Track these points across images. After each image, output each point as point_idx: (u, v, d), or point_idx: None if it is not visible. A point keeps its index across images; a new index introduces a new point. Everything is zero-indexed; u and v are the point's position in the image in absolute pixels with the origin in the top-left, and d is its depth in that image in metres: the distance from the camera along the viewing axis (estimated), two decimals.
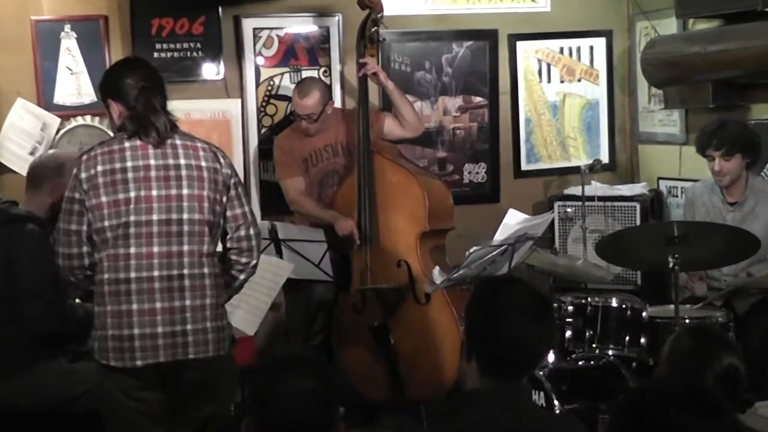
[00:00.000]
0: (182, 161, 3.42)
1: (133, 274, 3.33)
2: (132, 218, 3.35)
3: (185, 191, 3.38)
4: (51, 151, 5.21)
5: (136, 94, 3.46)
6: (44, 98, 5.48)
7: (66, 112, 5.52)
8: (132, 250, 3.34)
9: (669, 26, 5.91)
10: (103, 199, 3.36)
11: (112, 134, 5.43)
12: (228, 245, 3.50)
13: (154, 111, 3.44)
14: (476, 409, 2.55)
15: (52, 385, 3.98)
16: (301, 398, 2.48)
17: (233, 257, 3.50)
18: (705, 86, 5.42)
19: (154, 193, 3.37)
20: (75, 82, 5.53)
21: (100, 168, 3.38)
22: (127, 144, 3.42)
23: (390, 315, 5.10)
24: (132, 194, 3.36)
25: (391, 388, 5.12)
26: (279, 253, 4.86)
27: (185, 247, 3.36)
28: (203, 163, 3.44)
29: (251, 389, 2.57)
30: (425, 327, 5.04)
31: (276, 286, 4.35)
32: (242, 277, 3.55)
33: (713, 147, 4.92)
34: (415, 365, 5.07)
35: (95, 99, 5.52)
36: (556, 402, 4.28)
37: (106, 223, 3.36)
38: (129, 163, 3.39)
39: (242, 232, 3.49)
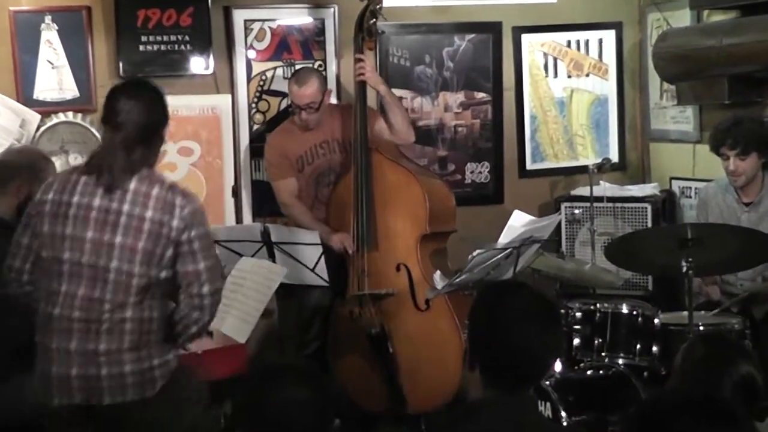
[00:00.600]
0: (125, 208, 3.40)
1: (56, 311, 3.40)
2: (66, 255, 3.40)
3: (118, 239, 3.38)
4: (19, 146, 5.17)
5: (107, 129, 3.49)
6: (23, 93, 5.47)
7: (46, 108, 5.50)
8: (63, 287, 3.40)
9: (682, 18, 5.90)
10: (45, 228, 3.44)
11: (95, 132, 5.48)
12: (180, 298, 3.48)
13: (112, 152, 3.43)
14: (479, 420, 2.54)
15: (28, 398, 3.96)
16: (293, 409, 2.48)
17: (185, 309, 3.47)
18: (720, 81, 5.42)
19: (89, 234, 3.39)
20: (56, 77, 5.51)
21: (50, 196, 3.46)
22: (82, 178, 3.46)
23: (388, 322, 5.09)
24: (68, 231, 3.41)
25: (390, 399, 5.11)
26: (271, 257, 4.85)
27: (108, 295, 3.38)
28: (148, 214, 3.40)
29: (242, 400, 2.56)
30: (425, 334, 5.03)
31: (268, 291, 4.35)
32: (193, 329, 3.51)
33: (728, 145, 4.92)
34: (414, 375, 5.06)
35: (77, 94, 5.53)
36: (563, 413, 4.27)
37: (44, 254, 3.45)
38: (75, 199, 3.43)
39: (194, 290, 3.43)
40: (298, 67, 5.77)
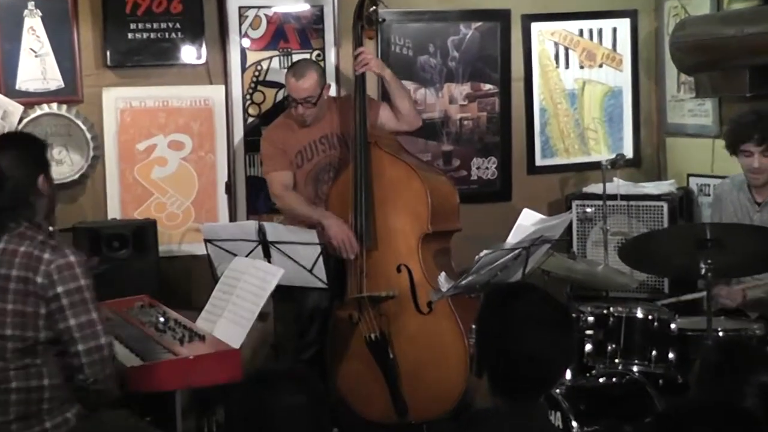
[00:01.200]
0: None
1: None
2: None
3: None
4: None
5: None
6: (5, 83, 5.46)
7: (30, 99, 5.49)
8: None
9: (701, 5, 5.90)
10: None
11: (80, 124, 5.48)
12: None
13: None
14: (486, 430, 2.53)
15: None
16: (289, 416, 2.47)
17: (71, 371, 3.47)
18: (741, 73, 5.41)
19: None
20: (40, 66, 5.51)
21: None
22: None
23: (389, 326, 5.09)
24: None
25: (390, 407, 5.10)
26: (267, 257, 4.84)
27: None
28: (13, 273, 3.40)
29: (235, 408, 2.56)
30: (428, 339, 5.03)
31: (264, 293, 4.33)
32: (92, 390, 3.49)
33: (754, 141, 4.85)
34: (416, 381, 5.05)
35: (62, 84, 5.52)
36: (574, 423, 4.26)
37: None
38: None
39: (72, 348, 3.44)
40: (295, 56, 5.78)
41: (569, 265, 5.09)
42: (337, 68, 5.88)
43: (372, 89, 5.58)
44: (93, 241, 5.29)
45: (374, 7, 5.28)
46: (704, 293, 4.48)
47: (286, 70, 5.45)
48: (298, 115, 5.29)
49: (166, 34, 5.68)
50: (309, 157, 5.36)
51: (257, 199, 5.75)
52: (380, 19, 5.41)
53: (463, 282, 4.51)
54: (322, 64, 5.79)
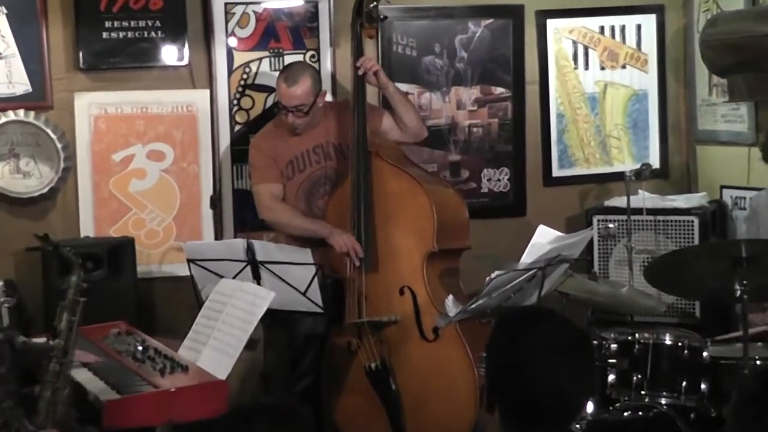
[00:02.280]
0: None
1: None
2: None
3: None
4: None
5: None
6: None
7: None
8: None
9: (734, 0, 5.91)
10: None
11: (50, 132, 5.48)
12: None
13: None
14: None
15: None
16: None
17: None
18: None
19: None
20: (5, 69, 5.52)
21: None
22: None
23: (391, 354, 5.09)
24: None
25: None
26: (257, 279, 4.85)
27: None
28: None
29: None
30: (434, 369, 5.03)
31: (253, 318, 4.34)
32: None
33: None
34: (420, 415, 5.05)
35: (30, 89, 5.54)
36: None
37: None
38: None
39: None
40: (287, 57, 5.80)
41: (590, 287, 5.09)
42: (333, 71, 5.89)
43: (372, 94, 5.59)
44: (63, 261, 5.28)
45: (375, 3, 5.30)
46: (740, 333, 4.48)
47: (277, 74, 5.47)
48: (288, 125, 5.30)
49: (145, 33, 5.69)
50: (301, 167, 5.37)
51: (245, 215, 5.74)
52: (381, 17, 5.43)
53: (473, 306, 4.51)
54: (316, 66, 5.80)
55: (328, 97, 5.67)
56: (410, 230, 5.11)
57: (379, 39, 5.86)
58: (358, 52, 5.32)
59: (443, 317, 4.73)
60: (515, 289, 4.50)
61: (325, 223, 5.21)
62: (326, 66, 5.88)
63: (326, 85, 5.76)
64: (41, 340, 3.94)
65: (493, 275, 4.40)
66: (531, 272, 4.49)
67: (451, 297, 4.72)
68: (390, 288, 5.10)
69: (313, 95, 5.26)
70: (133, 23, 5.68)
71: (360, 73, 5.27)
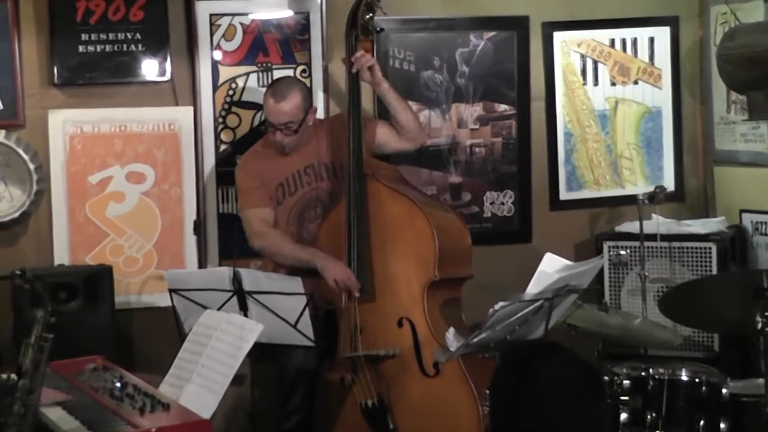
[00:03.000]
0: None
1: None
2: None
3: None
4: None
5: None
6: None
7: None
8: None
9: (754, 11, 5.93)
10: None
11: (22, 152, 5.48)
12: None
13: None
14: None
15: None
16: None
17: None
18: None
19: None
20: None
21: None
22: None
23: (388, 390, 5.08)
24: None
25: None
26: (243, 310, 4.85)
27: None
28: None
29: None
30: (434, 406, 5.02)
31: (239, 353, 4.33)
32: None
33: None
34: None
35: (0, 106, 5.53)
36: None
37: None
38: None
39: None
40: (276, 72, 5.82)
41: (600, 319, 5.09)
42: (325, 86, 5.90)
43: (367, 102, 5.58)
44: (36, 291, 5.27)
45: (370, 15, 5.31)
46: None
47: (264, 89, 5.48)
48: (276, 144, 5.32)
49: (124, 46, 5.71)
50: (291, 190, 5.38)
51: (231, 241, 5.73)
52: (377, 29, 5.45)
53: (476, 339, 4.51)
54: (307, 81, 5.81)
55: (320, 114, 5.69)
56: (409, 257, 5.12)
57: (375, 53, 5.78)
58: (352, 66, 5.32)
59: (444, 352, 4.73)
60: (520, 322, 4.50)
61: (318, 252, 5.20)
62: (318, 81, 5.89)
63: (317, 101, 5.80)
64: (4, 376, 3.93)
65: (496, 306, 4.40)
66: (537, 303, 4.49)
67: (452, 330, 4.72)
68: (388, 319, 5.10)
69: (302, 112, 5.28)
70: (111, 35, 5.69)
71: (354, 69, 5.27)
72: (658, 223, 5.84)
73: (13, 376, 3.94)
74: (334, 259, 5.12)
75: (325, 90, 5.91)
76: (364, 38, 5.33)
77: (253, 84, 5.84)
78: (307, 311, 4.86)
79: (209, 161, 5.82)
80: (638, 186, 6.35)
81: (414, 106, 6.00)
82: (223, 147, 5.85)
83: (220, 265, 5.70)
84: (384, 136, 5.42)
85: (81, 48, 5.65)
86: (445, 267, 5.09)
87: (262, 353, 4.88)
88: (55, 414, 4.05)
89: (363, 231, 5.14)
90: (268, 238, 5.33)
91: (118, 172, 5.73)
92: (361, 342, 5.10)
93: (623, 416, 4.74)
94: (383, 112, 5.63)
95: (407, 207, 5.16)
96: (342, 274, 5.08)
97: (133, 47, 5.72)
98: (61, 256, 5.65)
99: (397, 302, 5.10)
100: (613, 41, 6.38)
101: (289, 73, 5.84)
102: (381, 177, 5.23)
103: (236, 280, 4.89)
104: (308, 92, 5.52)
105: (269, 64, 5.87)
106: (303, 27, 5.89)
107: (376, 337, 5.10)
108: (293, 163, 5.38)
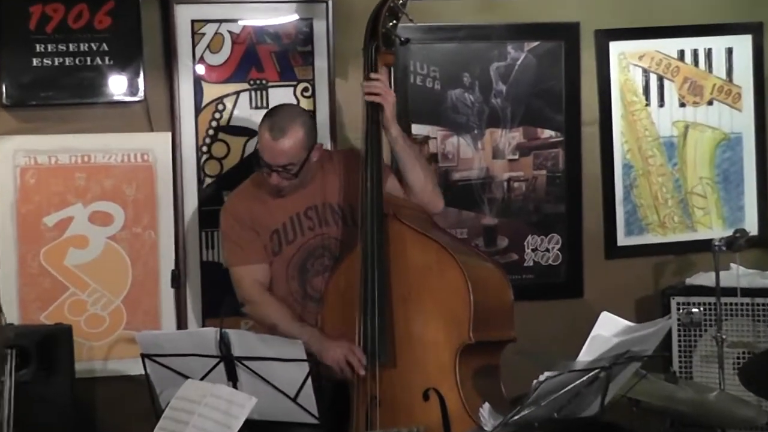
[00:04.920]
0: None
1: None
2: None
3: None
4: None
5: None
6: None
7: None
8: None
9: None
10: None
11: None
12: None
13: None
14: None
15: None
16: None
17: None
18: None
19: None
20: None
21: None
22: None
23: None
24: None
25: None
26: (232, 380, 4.86)
27: None
28: None
29: None
30: None
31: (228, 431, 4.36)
32: None
33: None
34: None
35: None
36: None
37: None
38: None
39: None
40: (272, 91, 5.86)
41: (668, 392, 5.11)
42: (332, 111, 5.94)
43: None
44: None
45: (394, 21, 5.25)
46: None
47: (257, 112, 5.46)
48: (272, 186, 5.33)
49: (88, 60, 5.74)
50: (290, 238, 5.38)
51: (217, 295, 5.74)
52: (402, 39, 5.35)
53: (517, 417, 4.52)
54: (311, 101, 5.86)
55: (325, 144, 5.69)
56: (439, 316, 5.11)
57: (392, 68, 5.78)
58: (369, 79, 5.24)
59: (478, 431, 4.75)
60: (571, 396, 4.51)
61: (317, 333, 5.21)
62: (323, 105, 5.93)
63: (323, 130, 5.81)
64: None
65: (542, 377, 4.41)
66: (592, 374, 4.50)
67: (487, 405, 4.73)
68: (411, 391, 5.09)
69: (305, 150, 5.23)
70: (72, 47, 5.72)
71: (368, 99, 5.21)
72: (737, 274, 5.86)
73: None
74: (334, 342, 5.14)
75: (332, 115, 5.94)
76: (386, 50, 5.23)
77: (244, 105, 5.88)
78: (310, 381, 4.88)
79: (191, 199, 5.86)
80: (713, 229, 6.39)
81: (438, 131, 6.03)
82: (207, 181, 5.89)
83: (203, 325, 5.73)
84: (393, 191, 5.36)
85: (35, 61, 5.69)
86: (481, 328, 5.09)
87: None
88: None
89: (382, 284, 5.13)
90: (261, 308, 5.33)
91: (80, 212, 5.76)
92: (379, 418, 5.10)
93: None
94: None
95: (436, 254, 5.15)
96: (341, 357, 5.09)
97: (98, 60, 5.75)
98: (10, 314, 5.63)
99: (422, 370, 5.11)
100: (682, 53, 6.43)
101: (289, 93, 5.88)
102: (404, 218, 5.21)
103: (223, 343, 4.89)
104: (312, 125, 5.43)
105: (264, 82, 5.90)
106: (305, 36, 5.94)
107: (397, 413, 5.09)
108: (292, 205, 5.37)
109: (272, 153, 5.20)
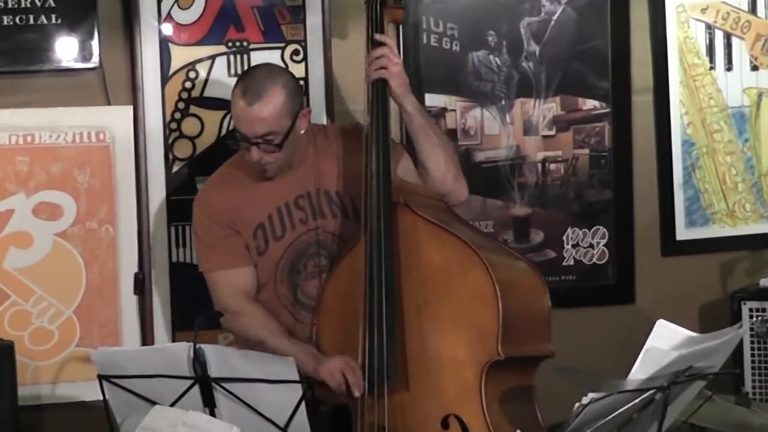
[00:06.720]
0: None
1: None
2: None
3: None
4: None
5: None
6: None
7: None
8: None
9: None
10: None
11: None
12: None
13: None
14: None
15: None
16: None
17: None
18: None
19: None
20: None
21: None
22: None
23: None
24: None
25: None
26: (209, 406, 4.87)
27: None
28: None
29: None
30: None
31: None
32: None
33: None
34: None
35: None
36: None
37: None
38: None
39: None
40: (255, 55, 5.89)
41: (740, 417, 5.13)
42: (327, 78, 5.97)
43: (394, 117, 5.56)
44: None
45: None
46: None
47: (234, 84, 5.48)
48: (252, 163, 5.33)
49: (31, 18, 5.77)
50: (278, 233, 5.39)
51: (190, 303, 5.79)
52: None
53: None
54: (301, 66, 5.90)
55: (320, 119, 5.71)
56: (460, 327, 5.12)
57: (400, 26, 5.85)
58: (374, 46, 5.23)
59: None
60: (621, 422, 4.54)
61: (311, 350, 5.24)
62: (317, 71, 5.96)
63: (316, 98, 5.86)
64: None
65: (586, 399, 4.43)
66: (646, 395, 4.52)
67: None
68: (427, 419, 5.11)
69: (288, 116, 5.20)
70: (11, 2, 5.75)
71: (374, 77, 5.20)
72: None
73: None
74: (329, 358, 5.15)
75: (327, 83, 5.96)
76: (394, 4, 5.24)
77: (220, 72, 5.92)
78: (303, 406, 4.89)
79: (157, 187, 5.89)
80: None
81: (457, 102, 6.04)
82: (177, 166, 5.92)
83: (174, 339, 5.75)
84: (405, 171, 5.35)
85: None
86: (512, 341, 5.10)
87: None
88: None
89: (391, 289, 5.16)
90: (243, 320, 5.36)
91: (22, 204, 5.78)
92: None
93: None
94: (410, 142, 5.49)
95: (457, 251, 5.14)
96: (337, 373, 5.10)
97: (43, 19, 5.78)
98: None
99: (441, 393, 5.12)
100: (754, 4, 6.45)
101: (275, 55, 5.92)
102: (418, 207, 5.20)
103: (198, 361, 4.90)
104: (296, 87, 5.38)
105: (245, 43, 5.93)
106: None
107: None
108: (280, 193, 5.38)
109: (248, 121, 5.17)
